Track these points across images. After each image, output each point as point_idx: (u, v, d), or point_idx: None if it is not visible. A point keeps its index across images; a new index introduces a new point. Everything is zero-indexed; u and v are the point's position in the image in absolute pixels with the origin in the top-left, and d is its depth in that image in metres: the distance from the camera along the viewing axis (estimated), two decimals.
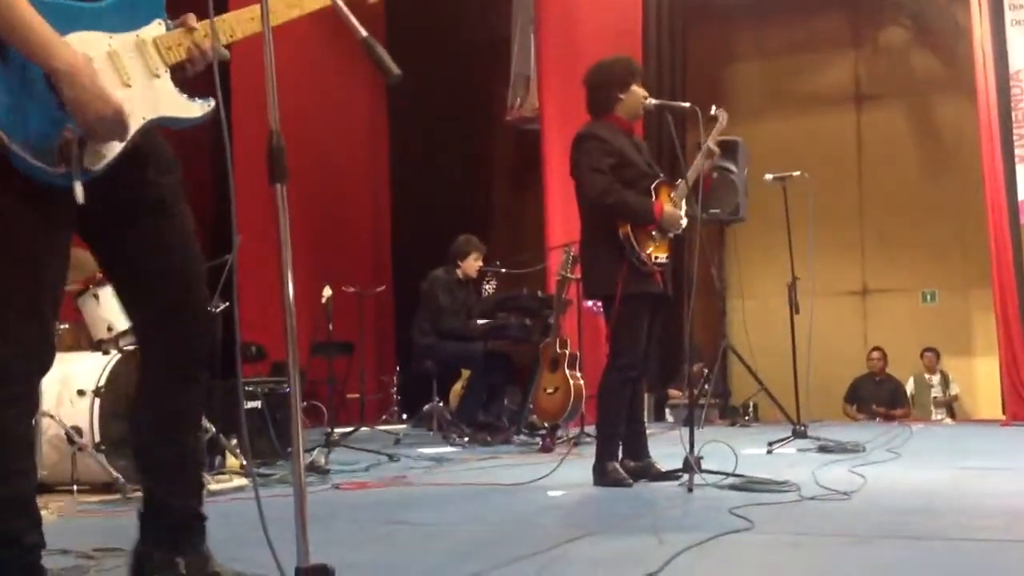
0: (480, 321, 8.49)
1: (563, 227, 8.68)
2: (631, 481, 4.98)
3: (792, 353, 7.61)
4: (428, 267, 8.94)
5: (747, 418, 10.49)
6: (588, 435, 7.04)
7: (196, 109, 2.48)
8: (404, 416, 10.78)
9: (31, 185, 2.29)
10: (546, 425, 7.57)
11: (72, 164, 2.28)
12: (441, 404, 9.04)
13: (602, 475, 5.01)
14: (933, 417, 11.07)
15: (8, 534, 2.33)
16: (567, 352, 7.62)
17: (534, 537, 3.57)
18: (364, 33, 2.38)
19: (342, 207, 12.38)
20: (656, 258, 5.05)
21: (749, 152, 9.92)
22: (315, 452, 6.06)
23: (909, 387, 11.57)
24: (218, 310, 5.32)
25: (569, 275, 7.49)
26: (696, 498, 4.52)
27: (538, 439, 7.55)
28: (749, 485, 4.64)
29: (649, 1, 11.32)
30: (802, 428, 7.19)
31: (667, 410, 10.91)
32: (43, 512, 2.52)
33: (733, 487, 4.65)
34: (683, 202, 5.18)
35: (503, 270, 8.93)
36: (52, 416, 4.82)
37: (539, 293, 8.63)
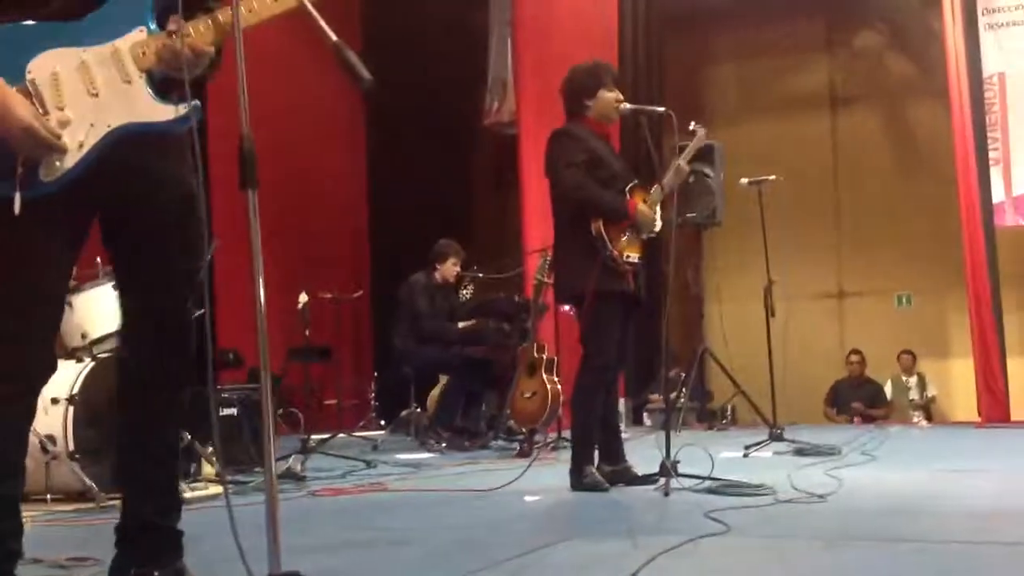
0: (463, 324, 8.48)
1: (541, 231, 8.68)
2: (607, 486, 4.98)
3: (768, 356, 7.63)
4: (406, 272, 8.91)
5: (724, 421, 10.52)
6: (566, 439, 7.02)
7: (171, 112, 2.45)
8: (382, 422, 10.74)
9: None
10: (524, 430, 7.56)
11: (14, 178, 2.36)
12: (419, 410, 9.02)
13: (579, 480, 5.01)
14: (912, 419, 11.12)
15: None
16: (544, 356, 7.63)
17: (510, 542, 3.56)
18: (335, 38, 2.37)
19: (319, 212, 12.35)
20: (628, 257, 5.05)
21: (725, 156, 9.95)
22: (291, 459, 6.03)
23: (887, 389, 11.62)
24: (194, 316, 5.30)
25: (546, 280, 7.49)
26: (672, 502, 4.52)
27: (516, 444, 7.54)
28: (725, 489, 4.65)
29: (626, 5, 11.35)
30: (779, 431, 7.21)
31: (645, 415, 10.92)
32: None
33: (709, 491, 4.66)
34: (657, 207, 5.19)
35: (481, 275, 8.92)
36: None
37: (516, 298, 8.63)
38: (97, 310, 5.22)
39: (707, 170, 9.63)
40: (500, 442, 7.96)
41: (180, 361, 2.65)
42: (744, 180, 8.16)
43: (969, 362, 10.13)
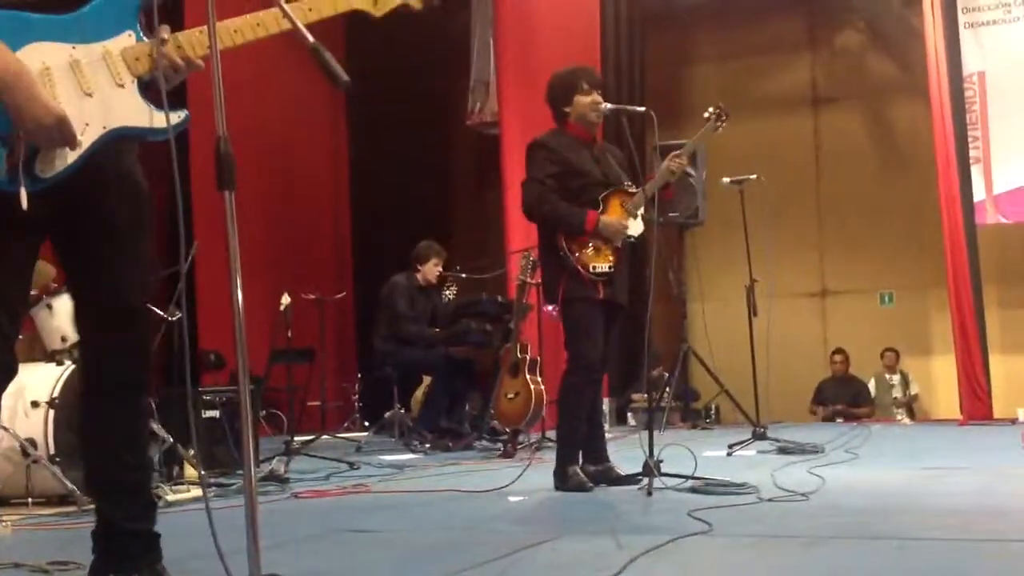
0: (440, 327, 8.47)
1: (523, 232, 8.67)
2: (591, 485, 4.98)
3: (751, 355, 7.65)
4: (389, 273, 8.90)
5: (708, 421, 10.55)
6: (549, 440, 7.04)
7: (162, 120, 2.44)
8: (366, 423, 10.73)
9: None
10: (507, 430, 7.56)
11: (18, 170, 2.27)
12: (402, 411, 9.00)
13: (563, 480, 5.01)
14: (895, 417, 11.16)
15: None
16: (528, 357, 7.63)
17: (494, 542, 3.56)
18: (312, 40, 2.38)
19: (302, 213, 12.34)
20: (594, 268, 5.03)
21: (707, 155, 9.97)
22: (274, 461, 6.01)
23: (871, 387, 11.65)
24: (174, 319, 5.29)
25: (529, 280, 7.50)
26: (655, 501, 4.52)
27: (500, 444, 7.54)
28: (708, 488, 4.65)
29: (607, 5, 11.36)
30: (762, 430, 7.22)
31: (629, 414, 10.93)
32: None
33: (692, 490, 4.67)
34: (639, 211, 5.18)
35: (463, 275, 8.92)
36: (6, 428, 4.75)
37: (499, 298, 8.63)
38: None
39: (689, 170, 9.66)
40: (484, 443, 7.96)
41: (132, 359, 2.61)
42: (726, 179, 8.18)
43: (951, 360, 10.18)
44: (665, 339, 10.94)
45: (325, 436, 8.68)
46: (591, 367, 5.08)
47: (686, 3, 12.41)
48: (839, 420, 11.07)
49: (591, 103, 5.19)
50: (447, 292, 8.79)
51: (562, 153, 5.14)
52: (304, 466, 6.42)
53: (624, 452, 5.71)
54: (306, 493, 5.24)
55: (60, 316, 5.18)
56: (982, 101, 10.10)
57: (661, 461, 4.83)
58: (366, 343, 10.08)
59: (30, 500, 4.76)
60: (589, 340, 5.06)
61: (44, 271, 4.88)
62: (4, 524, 4.14)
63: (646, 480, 4.75)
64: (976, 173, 10.04)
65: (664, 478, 4.78)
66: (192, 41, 2.48)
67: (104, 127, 2.41)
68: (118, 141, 2.47)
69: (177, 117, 2.47)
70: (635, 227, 5.15)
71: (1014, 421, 9.48)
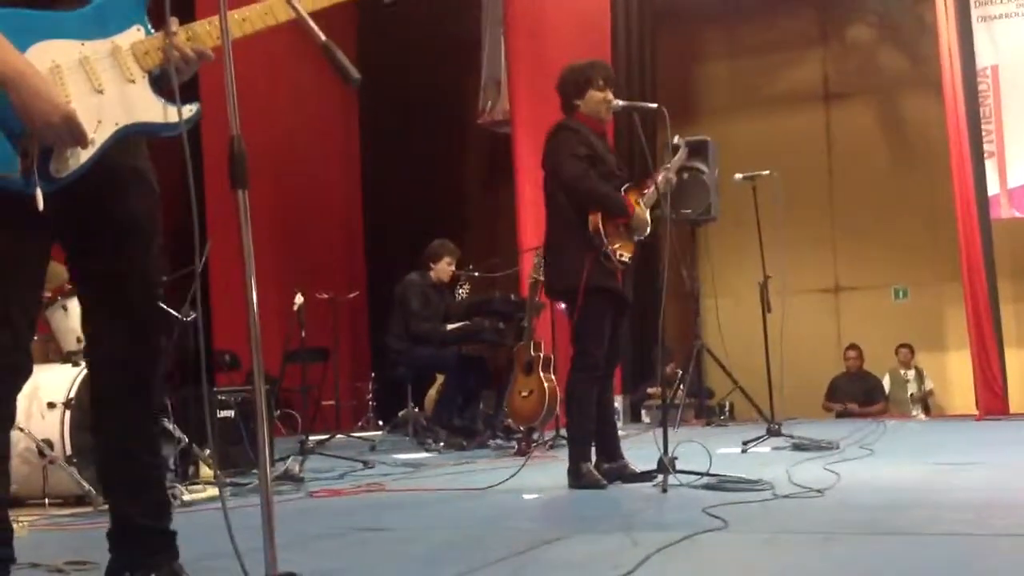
0: (453, 326, 8.47)
1: (535, 230, 8.67)
2: (605, 483, 4.98)
3: (765, 352, 7.63)
4: (402, 272, 8.91)
5: (722, 417, 10.53)
6: (563, 438, 7.02)
7: (175, 114, 2.43)
8: (380, 422, 10.75)
9: None
10: (521, 428, 7.56)
11: (32, 171, 2.26)
12: (416, 409, 9.01)
13: (577, 477, 5.01)
14: (911, 413, 11.12)
15: None
16: (541, 355, 7.62)
17: (508, 540, 3.56)
18: (323, 38, 2.38)
19: (315, 213, 12.37)
20: (621, 256, 5.05)
21: (719, 152, 9.96)
22: (289, 460, 6.02)
23: (886, 383, 11.61)
24: (189, 319, 5.30)
25: (541, 278, 7.49)
26: (670, 498, 4.52)
27: (514, 443, 7.54)
28: (723, 484, 4.64)
29: (618, 2, 11.34)
30: (776, 427, 7.20)
31: (643, 411, 10.92)
32: (14, 526, 2.49)
33: (707, 487, 4.66)
34: (648, 210, 5.19)
35: (476, 274, 8.92)
36: (22, 429, 4.76)
37: (512, 296, 8.63)
38: None
39: (701, 166, 9.66)
40: (498, 441, 7.96)
41: (143, 359, 2.60)
42: (738, 176, 8.15)
43: (966, 355, 10.13)
44: (678, 336, 10.93)
45: (340, 435, 8.71)
46: (596, 366, 5.09)
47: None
48: (852, 417, 11.01)
49: (604, 99, 5.20)
50: (461, 290, 8.80)
51: (588, 138, 5.15)
52: (319, 465, 6.44)
53: (638, 449, 5.70)
54: (321, 492, 5.25)
55: (75, 317, 5.19)
56: (995, 95, 10.05)
57: (676, 458, 4.83)
58: (380, 342, 10.09)
59: (47, 501, 4.78)
60: (597, 339, 5.06)
61: (58, 272, 4.88)
62: (21, 524, 4.15)
63: (661, 477, 4.75)
64: (990, 167, 9.99)
65: (679, 475, 4.77)
66: (201, 32, 2.47)
67: (117, 124, 2.40)
68: (130, 138, 2.47)
69: (189, 111, 2.45)
70: (649, 226, 5.19)
71: None
